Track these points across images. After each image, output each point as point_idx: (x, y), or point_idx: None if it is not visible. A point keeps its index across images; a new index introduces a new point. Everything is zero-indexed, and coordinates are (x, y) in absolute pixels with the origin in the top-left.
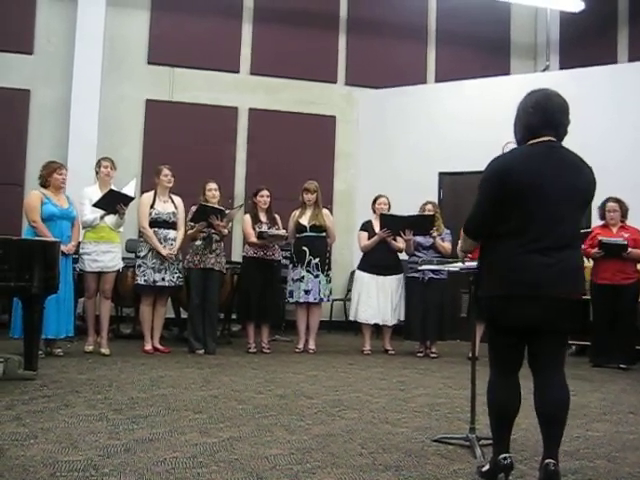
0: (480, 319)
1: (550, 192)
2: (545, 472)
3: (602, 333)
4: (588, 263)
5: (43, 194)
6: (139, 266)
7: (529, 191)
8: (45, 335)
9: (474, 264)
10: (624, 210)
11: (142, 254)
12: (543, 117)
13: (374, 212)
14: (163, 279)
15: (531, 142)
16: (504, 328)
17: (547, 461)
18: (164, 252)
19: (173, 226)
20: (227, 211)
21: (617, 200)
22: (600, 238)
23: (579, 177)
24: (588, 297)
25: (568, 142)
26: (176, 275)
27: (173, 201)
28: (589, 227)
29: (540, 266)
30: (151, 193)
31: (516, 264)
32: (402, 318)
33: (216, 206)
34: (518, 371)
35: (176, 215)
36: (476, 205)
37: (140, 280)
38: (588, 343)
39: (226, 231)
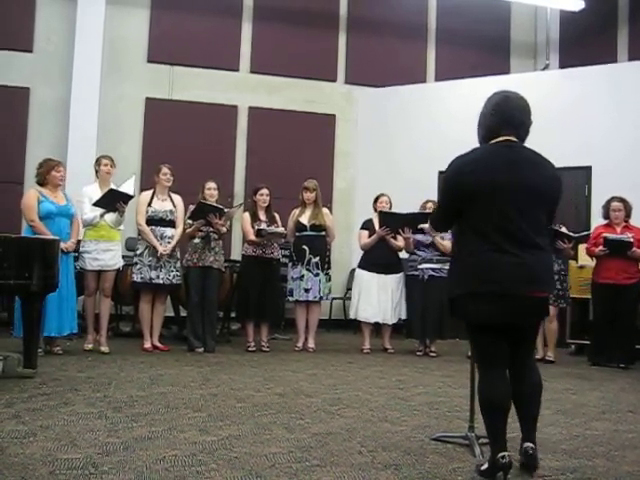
0: (454, 317)
1: (511, 193)
2: (525, 456)
3: (602, 332)
4: (586, 262)
5: (39, 192)
6: (136, 264)
7: (486, 190)
8: (48, 333)
9: None
10: (628, 210)
11: (139, 251)
12: (502, 118)
13: (375, 211)
14: (158, 277)
15: (491, 142)
16: (482, 326)
17: (526, 445)
18: (160, 249)
19: (170, 224)
20: (226, 210)
21: (621, 199)
22: (604, 235)
23: (537, 175)
24: (588, 296)
25: (567, 140)
26: (172, 273)
27: (172, 200)
28: (589, 229)
29: (505, 265)
30: (150, 191)
31: (483, 263)
32: (403, 317)
33: (215, 204)
34: (504, 365)
35: (174, 213)
36: (438, 204)
37: (136, 277)
38: (587, 342)
39: (225, 229)
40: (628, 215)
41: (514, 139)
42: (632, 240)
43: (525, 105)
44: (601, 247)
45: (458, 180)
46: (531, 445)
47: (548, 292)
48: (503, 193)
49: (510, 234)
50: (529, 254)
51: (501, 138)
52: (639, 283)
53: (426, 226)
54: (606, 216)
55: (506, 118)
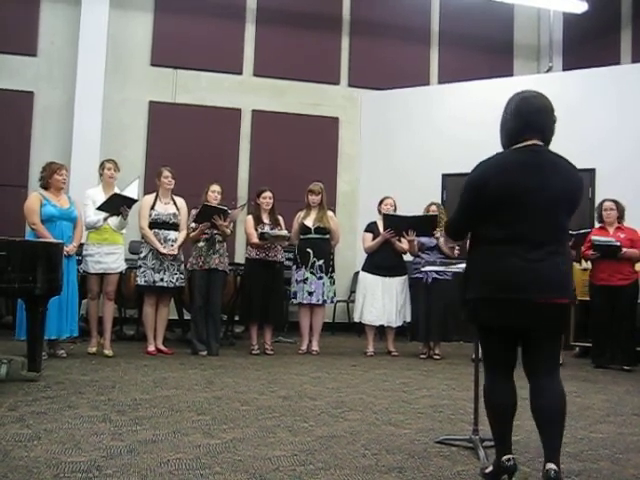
0: (468, 321)
1: (531, 198)
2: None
3: (601, 334)
4: (587, 265)
5: (42, 195)
6: (139, 267)
7: (509, 199)
8: (48, 336)
9: None
10: (621, 210)
11: (143, 255)
12: (522, 122)
13: (379, 213)
14: (162, 279)
15: (514, 147)
16: (492, 330)
17: (548, 467)
18: (163, 250)
19: (174, 227)
20: (229, 211)
21: (613, 200)
22: (592, 238)
23: (562, 180)
24: (589, 298)
25: (571, 143)
26: (176, 276)
27: (175, 202)
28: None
29: (521, 271)
30: (152, 195)
31: (498, 268)
32: (407, 319)
33: (219, 206)
34: (512, 371)
35: (177, 216)
36: (457, 210)
37: (140, 280)
38: (591, 344)
39: (229, 231)
40: (621, 216)
41: (538, 142)
42: (619, 243)
43: (546, 105)
44: (591, 251)
45: (476, 191)
46: (554, 468)
47: (565, 298)
48: (524, 198)
49: (528, 239)
50: (546, 259)
51: (523, 143)
52: (634, 284)
53: (441, 239)
54: (600, 219)
55: (526, 122)
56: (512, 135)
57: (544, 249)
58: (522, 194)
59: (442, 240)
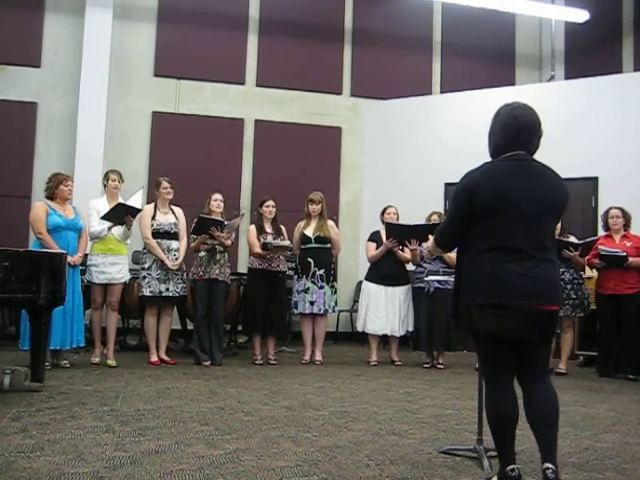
0: (461, 331)
1: (520, 206)
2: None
3: (608, 343)
4: (592, 273)
5: (48, 205)
6: (144, 277)
7: (498, 206)
8: (52, 346)
9: None
10: (627, 218)
11: (146, 265)
12: (508, 137)
13: (382, 222)
14: (167, 289)
15: (502, 156)
16: (490, 338)
17: (545, 466)
18: (169, 264)
19: (175, 237)
20: (226, 222)
21: (619, 208)
22: (599, 248)
23: (548, 189)
24: (595, 307)
25: (574, 151)
26: (180, 285)
27: (174, 212)
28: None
29: (512, 278)
30: (151, 205)
31: (489, 276)
32: (410, 329)
33: (215, 218)
34: (512, 380)
35: (177, 226)
36: (446, 219)
37: (145, 291)
38: (595, 353)
39: (229, 242)
40: (627, 224)
41: (522, 152)
42: (625, 254)
43: (532, 121)
44: (597, 260)
45: (466, 199)
46: (551, 467)
47: (556, 305)
48: (514, 209)
49: (517, 247)
50: (536, 266)
51: (510, 153)
52: None
53: (427, 244)
54: (606, 226)
55: (512, 137)
56: (498, 147)
57: (537, 256)
58: (511, 201)
59: (426, 251)
